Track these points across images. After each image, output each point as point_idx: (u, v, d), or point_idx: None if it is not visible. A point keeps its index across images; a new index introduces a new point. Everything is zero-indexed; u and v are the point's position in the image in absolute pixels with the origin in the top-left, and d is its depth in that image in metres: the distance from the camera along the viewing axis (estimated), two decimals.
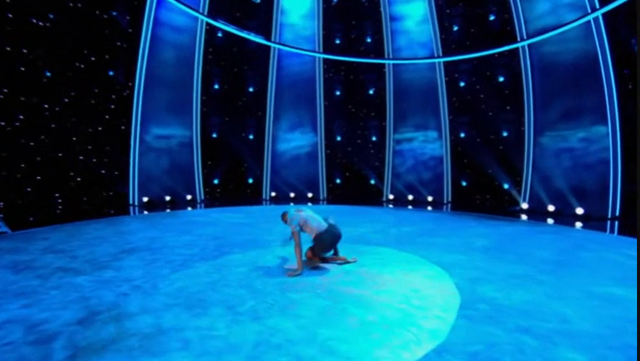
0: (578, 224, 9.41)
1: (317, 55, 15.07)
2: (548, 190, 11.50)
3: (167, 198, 12.80)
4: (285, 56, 15.22)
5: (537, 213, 11.17)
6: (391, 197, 14.69)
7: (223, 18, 13.60)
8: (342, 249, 5.86)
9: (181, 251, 5.89)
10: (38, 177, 9.33)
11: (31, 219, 8.68)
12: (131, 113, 12.00)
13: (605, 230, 8.72)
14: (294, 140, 15.37)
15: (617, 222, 9.48)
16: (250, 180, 15.09)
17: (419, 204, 13.89)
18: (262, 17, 14.89)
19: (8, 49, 8.61)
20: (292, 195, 14.99)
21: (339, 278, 4.69)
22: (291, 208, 5.14)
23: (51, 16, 9.49)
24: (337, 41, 15.44)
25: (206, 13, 13.51)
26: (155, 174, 12.58)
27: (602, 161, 10.16)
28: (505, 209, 12.00)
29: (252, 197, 14.88)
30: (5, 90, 8.59)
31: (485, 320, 3.53)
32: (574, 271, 5.15)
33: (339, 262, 5.32)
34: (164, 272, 4.82)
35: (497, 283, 4.55)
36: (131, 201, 12.01)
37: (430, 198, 14.22)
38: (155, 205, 12.15)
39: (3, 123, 8.57)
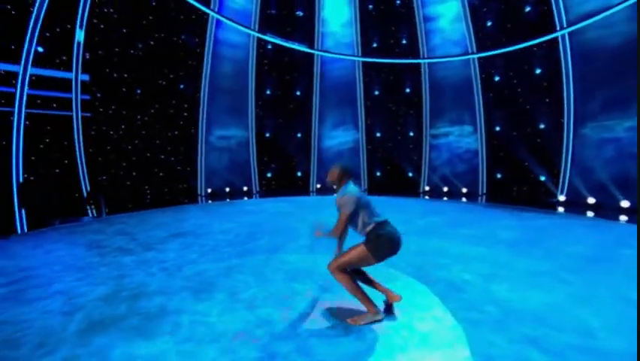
0: (623, 218, 7.69)
1: (356, 59, 14.35)
2: (589, 182, 9.68)
3: (227, 189, 13.17)
4: (328, 62, 14.72)
5: (576, 206, 9.45)
6: (427, 189, 13.86)
7: (272, 32, 13.47)
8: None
9: (216, 237, 5.80)
10: (134, 173, 10.10)
11: (130, 205, 9.39)
12: (198, 119, 12.44)
13: None
14: (337, 137, 14.97)
15: None
16: (299, 174, 15.03)
17: (454, 195, 12.91)
18: (305, 28, 14.51)
19: (115, 75, 9.47)
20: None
21: None
22: (350, 183, 3.07)
23: (140, 45, 10.14)
24: (375, 45, 14.56)
25: (256, 29, 13.48)
26: (217, 169, 13.02)
27: None
28: (542, 201, 10.45)
29: (301, 189, 14.79)
30: (113, 107, 9.55)
31: (490, 325, 2.82)
32: (607, 269, 4.07)
33: (371, 313, 2.85)
34: (193, 256, 4.72)
35: (515, 281, 3.70)
36: (199, 192, 12.53)
37: (464, 190, 13.17)
38: (218, 195, 12.56)
39: (112, 132, 9.53)
